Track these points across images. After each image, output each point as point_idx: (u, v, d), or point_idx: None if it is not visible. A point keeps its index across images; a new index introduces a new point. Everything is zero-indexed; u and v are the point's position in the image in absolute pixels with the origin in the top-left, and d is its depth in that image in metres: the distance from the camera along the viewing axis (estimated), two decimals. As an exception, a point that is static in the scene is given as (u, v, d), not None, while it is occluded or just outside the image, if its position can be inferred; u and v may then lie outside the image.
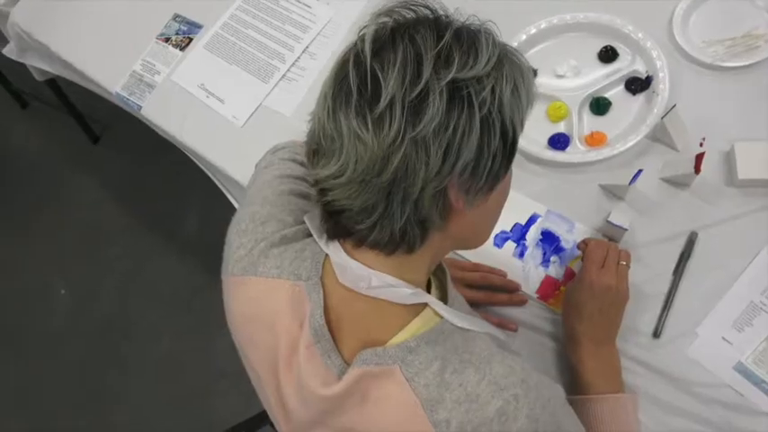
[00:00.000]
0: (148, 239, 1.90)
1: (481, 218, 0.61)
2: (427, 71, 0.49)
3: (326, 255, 0.60)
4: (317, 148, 0.55)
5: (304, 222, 0.65)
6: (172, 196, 1.94)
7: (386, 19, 0.53)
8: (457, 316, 0.59)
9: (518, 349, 0.76)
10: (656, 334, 0.81)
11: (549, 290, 0.87)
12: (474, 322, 0.60)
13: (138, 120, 1.22)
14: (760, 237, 0.83)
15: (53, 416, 1.71)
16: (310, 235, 0.63)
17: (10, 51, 1.42)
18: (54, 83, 1.80)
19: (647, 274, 0.84)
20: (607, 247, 0.79)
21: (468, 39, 0.52)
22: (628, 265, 0.78)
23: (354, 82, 0.51)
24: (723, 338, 0.79)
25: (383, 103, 0.49)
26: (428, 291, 0.64)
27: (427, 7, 0.54)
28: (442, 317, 0.59)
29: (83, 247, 1.95)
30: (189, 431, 1.11)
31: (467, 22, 0.54)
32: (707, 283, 0.82)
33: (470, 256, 0.90)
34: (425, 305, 0.59)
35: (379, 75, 0.50)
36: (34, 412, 1.73)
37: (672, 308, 0.82)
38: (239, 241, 0.65)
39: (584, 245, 0.82)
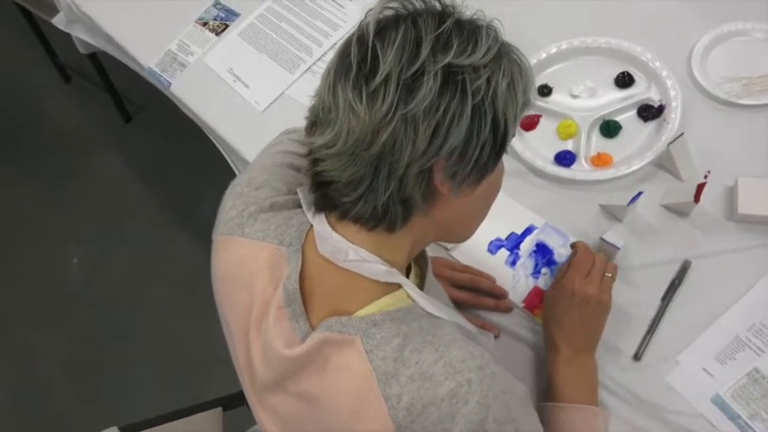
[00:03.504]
0: (164, 220, 1.95)
1: (466, 210, 0.62)
2: (424, 53, 0.52)
3: (311, 225, 0.62)
4: (315, 120, 0.57)
5: (296, 194, 0.67)
6: (193, 181, 1.99)
7: (395, 5, 0.56)
8: (429, 301, 0.60)
9: (498, 356, 0.77)
10: (637, 356, 0.81)
11: (536, 300, 0.87)
12: (445, 311, 0.61)
13: (168, 105, 1.27)
14: (753, 273, 0.82)
15: (48, 379, 1.75)
16: (300, 206, 0.66)
17: (59, 21, 1.49)
18: (96, 61, 1.88)
19: (635, 297, 0.84)
20: (594, 257, 0.80)
21: (470, 29, 0.55)
22: (613, 278, 0.78)
23: (356, 58, 0.53)
24: (704, 369, 0.78)
25: (379, 78, 0.51)
26: (407, 277, 0.65)
27: (439, 2, 0.57)
28: (413, 300, 0.60)
29: (101, 220, 2.00)
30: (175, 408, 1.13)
31: (473, 17, 0.57)
32: (694, 313, 0.82)
33: (462, 258, 0.91)
34: (400, 287, 0.60)
35: (379, 52, 0.52)
36: (31, 374, 1.77)
37: (656, 333, 0.82)
38: (232, 203, 0.68)
39: (574, 249, 0.82)
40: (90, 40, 1.46)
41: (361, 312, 0.58)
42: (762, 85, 0.93)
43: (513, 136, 0.60)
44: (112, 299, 1.85)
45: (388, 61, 0.51)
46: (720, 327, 0.80)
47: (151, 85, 1.28)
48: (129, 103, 2.14)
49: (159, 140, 2.09)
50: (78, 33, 1.49)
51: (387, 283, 0.59)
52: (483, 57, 0.53)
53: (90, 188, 2.07)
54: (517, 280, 0.89)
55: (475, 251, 0.92)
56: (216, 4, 1.29)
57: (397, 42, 0.52)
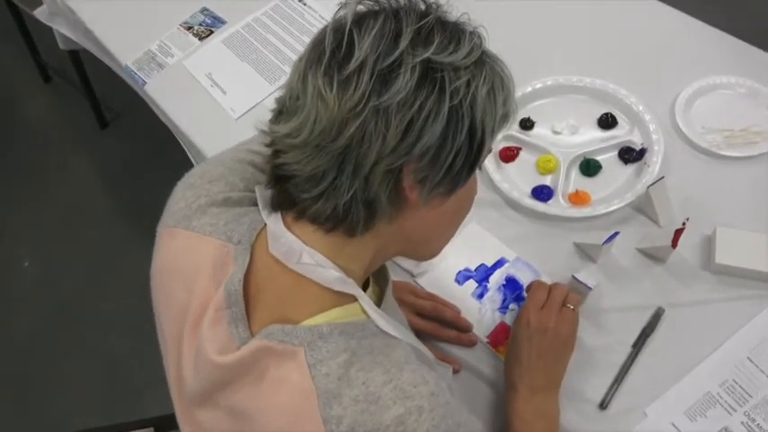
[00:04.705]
0: (126, 231, 1.87)
1: (434, 224, 0.58)
2: (404, 44, 0.49)
3: (265, 225, 0.57)
4: (281, 109, 0.53)
5: (254, 192, 0.62)
6: (161, 194, 1.90)
7: None
8: (384, 319, 0.55)
9: (455, 391, 0.71)
10: (603, 405, 0.75)
11: (500, 337, 0.82)
12: (402, 332, 0.56)
13: (146, 115, 1.23)
14: (727, 326, 0.79)
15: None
16: (257, 205, 0.61)
17: (41, 13, 1.45)
18: (78, 62, 1.84)
19: (604, 341, 0.79)
20: (549, 288, 0.75)
21: (453, 29, 0.52)
22: (575, 310, 0.73)
23: (330, 44, 0.50)
24: (672, 424, 0.73)
25: (353, 65, 0.48)
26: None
27: (423, 1, 0.54)
28: (368, 316, 0.55)
29: (61, 225, 1.92)
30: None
31: (459, 20, 0.54)
32: (665, 364, 0.77)
33: (427, 286, 0.86)
34: (354, 300, 0.55)
35: (356, 38, 0.49)
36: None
37: (624, 381, 0.77)
38: (183, 194, 0.63)
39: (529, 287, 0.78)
40: (70, 35, 1.43)
41: (308, 322, 0.52)
42: (743, 138, 0.93)
43: (490, 152, 0.57)
44: (58, 307, 1.75)
45: (364, 48, 0.48)
46: (692, 380, 0.75)
47: (130, 92, 1.24)
48: (107, 110, 2.09)
49: (133, 150, 2.03)
50: (59, 27, 1.45)
51: (340, 294, 0.54)
52: (465, 58, 0.50)
53: (55, 191, 2.00)
54: (483, 314, 0.84)
55: (441, 280, 0.87)
56: (203, 11, 1.27)
57: (375, 30, 0.49)
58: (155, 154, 1.92)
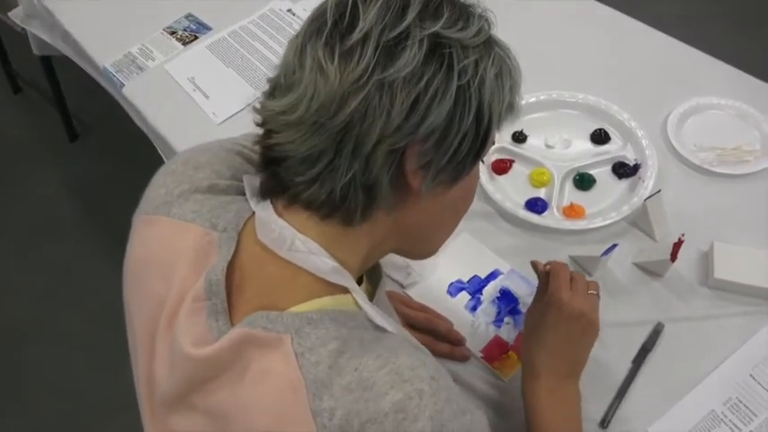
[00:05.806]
0: (93, 246, 1.78)
1: (434, 216, 0.55)
2: (411, 16, 0.46)
3: (253, 213, 0.52)
4: (274, 86, 0.50)
5: (241, 182, 0.58)
6: (128, 211, 1.83)
7: None
8: (378, 313, 0.51)
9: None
10: (604, 424, 0.71)
11: (495, 351, 0.78)
12: (396, 327, 0.52)
13: (117, 129, 1.18)
14: (729, 343, 0.76)
15: None
16: (244, 195, 0.56)
17: (15, 15, 1.41)
18: (51, 70, 1.78)
19: (604, 356, 0.76)
20: (570, 271, 0.70)
21: (462, 7, 0.49)
22: (597, 296, 0.69)
23: (332, 14, 0.47)
24: (676, 444, 0.70)
25: (356, 35, 0.45)
26: None
27: None
28: (360, 308, 0.50)
29: (20, 240, 1.82)
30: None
31: (467, 1, 0.52)
32: (667, 381, 0.74)
33: (418, 297, 0.82)
34: (347, 292, 0.51)
35: (360, 8, 0.46)
36: None
37: (626, 399, 0.73)
38: (163, 180, 0.58)
39: (542, 265, 0.72)
40: (46, 38, 1.38)
41: (296, 308, 0.48)
42: (735, 156, 0.93)
43: (493, 144, 0.54)
44: (17, 328, 1.64)
45: (369, 18, 0.45)
46: (695, 398, 0.72)
47: (102, 105, 1.19)
48: (78, 121, 2.02)
49: (101, 164, 1.96)
50: (35, 29, 1.40)
51: (332, 285, 0.49)
52: (473, 37, 0.48)
53: (17, 205, 1.90)
54: (476, 327, 0.80)
55: (433, 291, 0.83)
56: (188, 16, 1.24)
57: (380, 1, 0.46)
58: (124, 168, 1.85)
